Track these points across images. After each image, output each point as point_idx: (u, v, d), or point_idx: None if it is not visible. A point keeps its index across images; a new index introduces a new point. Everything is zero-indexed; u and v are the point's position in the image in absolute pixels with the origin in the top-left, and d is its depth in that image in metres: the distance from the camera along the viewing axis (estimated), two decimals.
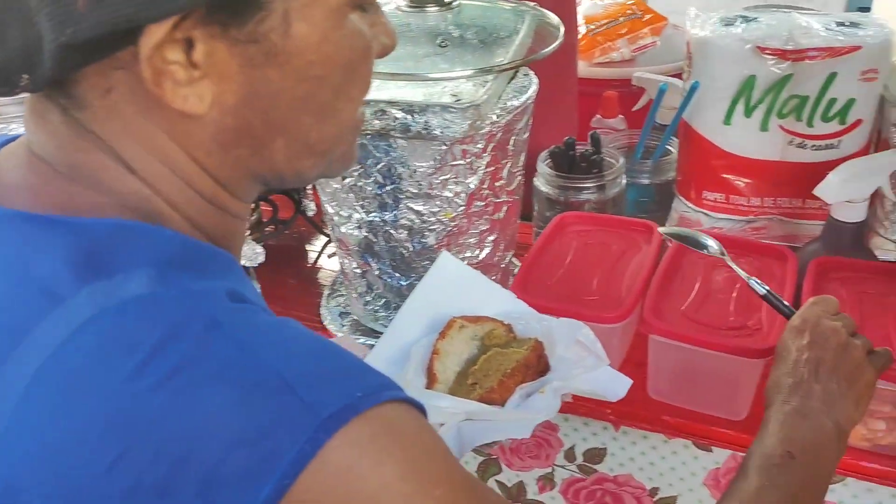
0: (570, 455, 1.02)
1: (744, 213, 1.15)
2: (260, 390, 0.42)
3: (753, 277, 0.82)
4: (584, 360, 0.83)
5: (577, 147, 1.19)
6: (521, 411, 0.78)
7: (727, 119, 1.09)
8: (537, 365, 0.82)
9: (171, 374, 0.41)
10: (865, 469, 0.84)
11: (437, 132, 0.82)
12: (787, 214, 1.14)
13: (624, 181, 1.21)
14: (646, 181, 1.31)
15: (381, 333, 1.04)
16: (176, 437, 0.41)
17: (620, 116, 1.40)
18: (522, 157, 0.99)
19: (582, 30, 1.53)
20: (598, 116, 1.41)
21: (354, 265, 1.01)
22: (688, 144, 1.17)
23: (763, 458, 0.63)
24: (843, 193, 0.96)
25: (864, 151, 1.08)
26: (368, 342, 1.04)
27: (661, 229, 0.93)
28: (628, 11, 1.48)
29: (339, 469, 0.41)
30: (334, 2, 0.46)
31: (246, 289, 0.50)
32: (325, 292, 1.16)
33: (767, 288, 0.81)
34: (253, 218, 1.23)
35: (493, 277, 1.02)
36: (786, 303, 0.80)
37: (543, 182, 1.20)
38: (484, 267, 1.00)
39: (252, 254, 1.14)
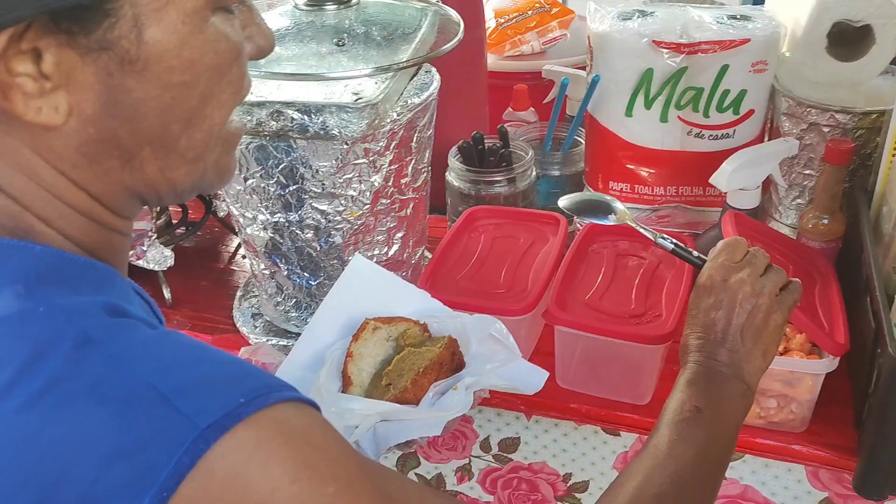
0: (485, 445, 1.03)
1: (648, 202, 1.19)
2: (134, 405, 0.41)
3: (660, 234, 0.82)
4: (497, 354, 0.84)
5: (487, 141, 1.20)
6: (435, 410, 0.79)
7: (628, 111, 1.11)
8: (451, 362, 0.83)
9: (40, 393, 0.40)
10: (761, 446, 0.88)
11: (336, 132, 0.82)
12: (689, 202, 1.18)
13: (534, 173, 1.23)
14: (556, 172, 1.33)
15: (295, 334, 1.04)
16: (46, 460, 0.40)
17: (531, 109, 1.42)
18: (427, 154, 0.99)
19: (492, 24, 1.54)
20: (510, 109, 1.43)
21: (263, 266, 1.00)
22: (593, 136, 1.20)
23: (673, 413, 0.65)
24: (736, 182, 1.00)
25: (757, 140, 1.12)
26: (281, 342, 1.03)
27: (561, 201, 0.91)
28: (537, 5, 1.50)
29: (227, 477, 0.41)
30: (190, 5, 0.45)
31: (129, 302, 0.49)
32: (238, 294, 1.14)
33: (674, 242, 0.81)
34: (161, 220, 1.21)
35: (404, 274, 1.03)
36: (695, 253, 0.80)
37: (455, 177, 1.21)
38: (394, 264, 1.01)
39: (160, 257, 1.12)
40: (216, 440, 0.41)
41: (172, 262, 1.12)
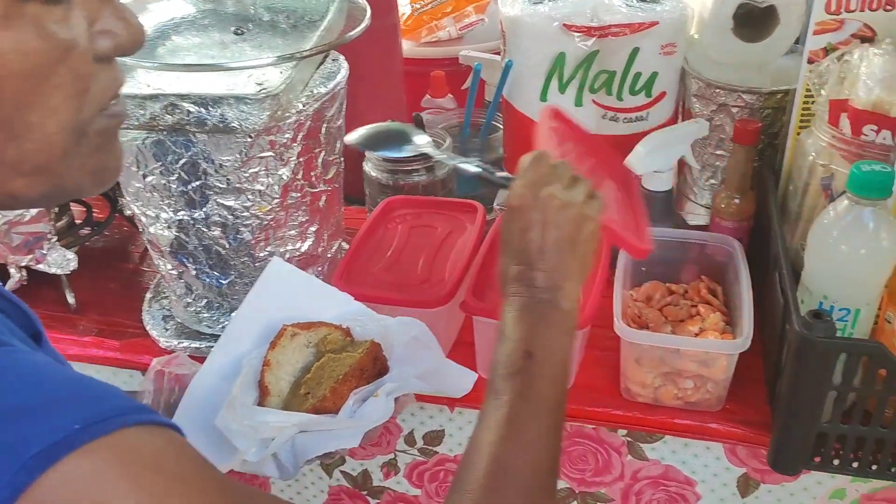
0: (410, 440, 1.02)
1: None
2: None
3: (465, 159, 0.79)
4: (422, 358, 0.81)
5: None
6: (355, 419, 0.75)
7: (543, 95, 1.11)
8: (373, 368, 0.79)
9: None
10: (679, 426, 0.88)
11: (236, 125, 0.79)
12: None
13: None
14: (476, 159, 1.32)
15: (208, 335, 1.01)
16: None
17: (450, 95, 1.41)
18: (338, 145, 0.97)
19: (407, 10, 1.52)
20: (428, 96, 1.41)
21: (170, 267, 0.96)
22: (510, 121, 1.19)
23: (505, 365, 0.61)
24: (649, 164, 1.00)
25: (671, 122, 1.13)
26: (193, 345, 1.00)
27: (349, 136, 0.84)
28: None
29: None
30: None
31: None
32: (148, 296, 1.10)
33: (479, 166, 0.77)
34: (63, 221, 1.15)
35: (320, 269, 1.00)
36: (500, 174, 0.75)
37: (372, 167, 1.18)
38: (309, 259, 0.98)
39: (62, 260, 1.07)
40: (42, 471, 0.38)
41: (76, 265, 1.07)
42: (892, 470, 0.79)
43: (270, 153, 0.86)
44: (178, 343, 1.00)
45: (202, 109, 0.78)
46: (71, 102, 0.44)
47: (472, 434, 0.60)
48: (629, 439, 0.93)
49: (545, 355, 0.62)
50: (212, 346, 0.99)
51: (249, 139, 0.83)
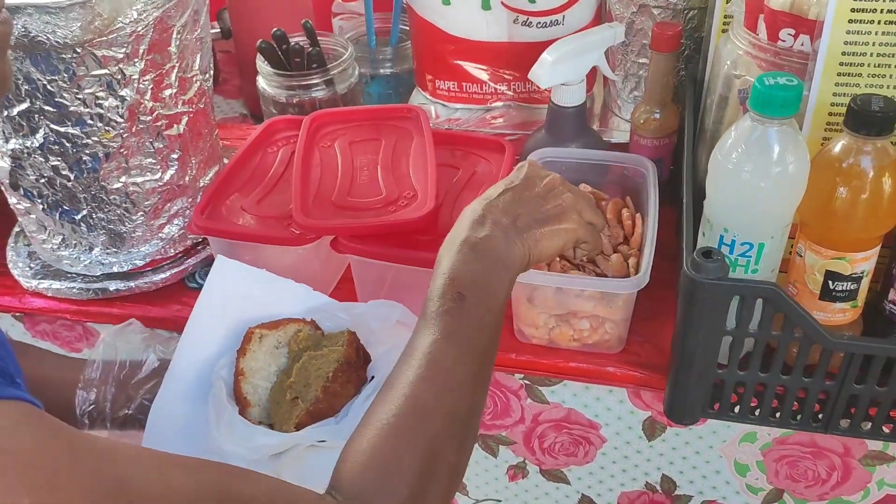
0: None
1: (479, 102, 1.07)
2: None
3: None
4: (403, 341, 0.69)
5: (293, 39, 1.06)
6: None
7: None
8: (358, 358, 0.72)
9: None
10: (576, 370, 0.80)
11: (43, 38, 0.67)
12: (522, 100, 1.07)
13: (356, 73, 1.10)
14: (389, 71, 1.20)
15: (73, 275, 0.92)
16: None
17: None
18: (199, 60, 0.85)
19: None
20: (339, 0, 1.28)
21: (15, 201, 0.86)
22: (415, 30, 1.07)
23: (436, 302, 0.58)
24: (557, 76, 0.89)
25: (592, 26, 1.01)
26: (54, 285, 0.90)
27: None
28: None
29: None
30: None
31: None
32: (15, 230, 1.00)
33: None
34: None
35: (191, 199, 0.90)
36: None
37: (266, 83, 1.07)
38: (177, 189, 0.88)
39: None
40: None
41: None
42: (798, 417, 0.72)
43: (104, 71, 0.75)
44: (39, 283, 0.91)
45: None
46: None
47: (393, 367, 0.56)
48: (527, 382, 0.86)
49: (478, 299, 0.58)
50: (75, 287, 0.90)
51: (75, 55, 0.72)
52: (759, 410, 0.72)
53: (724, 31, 0.83)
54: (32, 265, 0.94)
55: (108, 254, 0.89)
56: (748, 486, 0.87)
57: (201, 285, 0.92)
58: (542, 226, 0.63)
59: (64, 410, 0.70)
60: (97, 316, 0.91)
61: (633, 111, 0.95)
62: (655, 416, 0.84)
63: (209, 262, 0.94)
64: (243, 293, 0.76)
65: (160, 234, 0.90)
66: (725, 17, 0.83)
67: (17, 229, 1.00)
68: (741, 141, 0.65)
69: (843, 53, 0.66)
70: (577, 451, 0.90)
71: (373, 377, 0.72)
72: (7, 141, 0.79)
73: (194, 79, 0.85)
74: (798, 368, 0.67)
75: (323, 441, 0.67)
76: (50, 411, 0.68)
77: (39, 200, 0.84)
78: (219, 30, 1.37)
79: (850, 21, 0.64)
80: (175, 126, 0.84)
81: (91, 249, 0.88)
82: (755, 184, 0.65)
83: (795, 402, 0.71)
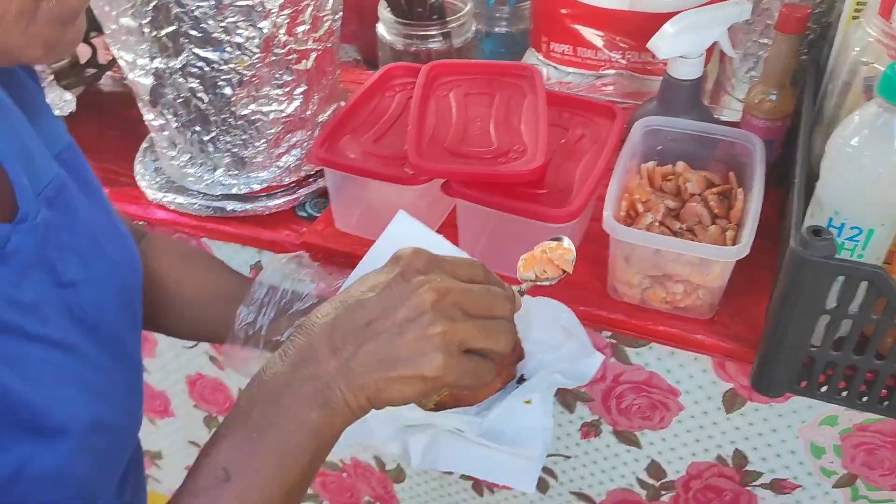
0: None
1: (592, 67, 1.09)
2: None
3: None
4: (562, 346, 0.69)
5: None
6: (509, 447, 0.62)
7: None
8: (513, 353, 0.67)
9: None
10: (664, 333, 0.82)
11: None
12: (636, 70, 1.08)
13: (473, 29, 1.12)
14: (504, 30, 1.22)
15: (195, 192, 0.98)
16: None
17: None
18: (331, 1, 0.89)
19: None
20: None
21: (151, 117, 0.92)
22: None
23: (196, 472, 0.48)
24: (676, 48, 0.89)
25: (714, 1, 1.01)
26: (178, 199, 0.97)
27: None
28: None
29: None
30: None
31: None
32: (143, 146, 1.07)
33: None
34: (65, 61, 1.12)
35: (309, 133, 0.95)
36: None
37: (385, 30, 1.11)
38: (297, 122, 0.92)
39: (59, 102, 1.03)
40: None
41: (74, 108, 1.04)
42: (885, 404, 0.73)
43: (248, 3, 0.79)
44: (164, 196, 0.98)
45: None
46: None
47: None
48: (614, 341, 0.88)
49: (251, 480, 0.46)
50: (196, 203, 0.97)
51: None
52: (846, 392, 0.73)
53: (854, 17, 0.82)
54: (157, 179, 1.01)
55: (229, 175, 0.94)
56: (822, 468, 0.88)
57: (310, 215, 0.98)
58: (388, 370, 0.47)
59: (223, 321, 0.72)
60: (213, 232, 0.97)
61: (749, 91, 0.95)
62: (737, 390, 0.86)
63: (320, 194, 0.99)
64: None
65: (278, 163, 0.95)
66: (858, 3, 0.83)
67: (145, 145, 1.07)
68: (864, 126, 0.65)
69: None
70: (653, 416, 0.92)
71: (521, 376, 0.67)
72: (152, 60, 0.84)
73: (325, 18, 0.89)
74: (894, 355, 0.68)
75: (460, 430, 0.63)
76: (211, 320, 0.73)
77: (174, 119, 0.90)
78: None
79: None
80: (304, 61, 0.88)
81: (215, 170, 0.94)
82: (873, 170, 0.65)
83: (884, 389, 0.72)
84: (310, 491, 1.29)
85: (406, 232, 0.71)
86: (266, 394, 0.47)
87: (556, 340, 0.69)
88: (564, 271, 0.62)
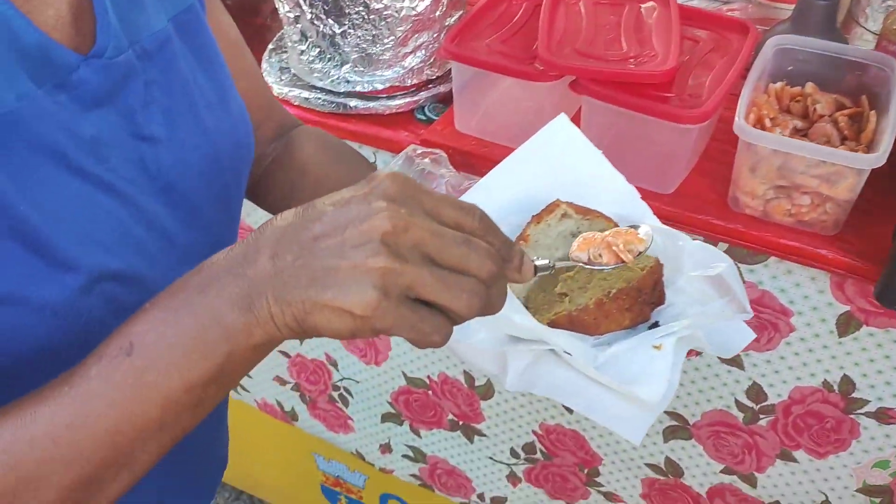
0: None
1: None
2: None
3: None
4: (711, 301, 0.61)
5: None
6: (626, 385, 0.56)
7: None
8: (651, 293, 0.60)
9: None
10: (786, 247, 0.82)
11: None
12: None
13: None
14: None
15: (319, 89, 1.01)
16: None
17: None
18: None
19: None
20: None
21: (286, 8, 0.95)
22: None
23: (106, 341, 0.44)
24: None
25: None
26: (303, 94, 1.00)
27: None
28: None
29: None
30: None
31: None
32: (270, 47, 1.10)
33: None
34: None
35: (435, 35, 0.96)
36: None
37: None
38: (424, 22, 0.94)
39: None
40: None
41: None
42: None
43: None
44: (289, 92, 1.01)
45: None
46: None
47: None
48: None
49: (151, 363, 0.42)
50: (321, 98, 0.99)
51: None
52: None
53: None
54: (283, 77, 1.04)
55: (355, 72, 0.97)
56: None
57: (429, 118, 0.99)
58: (318, 292, 0.41)
59: None
60: (334, 129, 1.00)
61: (886, 17, 0.92)
62: (853, 312, 0.84)
63: (439, 98, 1.01)
64: (567, 162, 0.66)
65: (403, 63, 0.97)
66: None
67: (271, 46, 1.11)
68: None
69: None
70: (760, 337, 0.92)
71: (656, 322, 0.61)
72: None
73: None
74: None
75: (569, 354, 0.57)
76: None
77: (309, 10, 0.93)
78: None
79: None
80: None
81: (342, 66, 0.97)
82: None
83: None
84: (392, 409, 1.32)
85: (560, 138, 0.65)
86: (197, 281, 0.44)
87: (704, 294, 0.61)
88: (621, 261, 0.54)
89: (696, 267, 0.61)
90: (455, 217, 0.43)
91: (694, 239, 0.62)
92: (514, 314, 0.57)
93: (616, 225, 0.64)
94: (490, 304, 0.43)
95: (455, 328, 0.44)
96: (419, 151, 0.75)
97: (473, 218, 0.44)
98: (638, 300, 0.60)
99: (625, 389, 0.56)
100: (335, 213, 0.42)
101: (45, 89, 0.49)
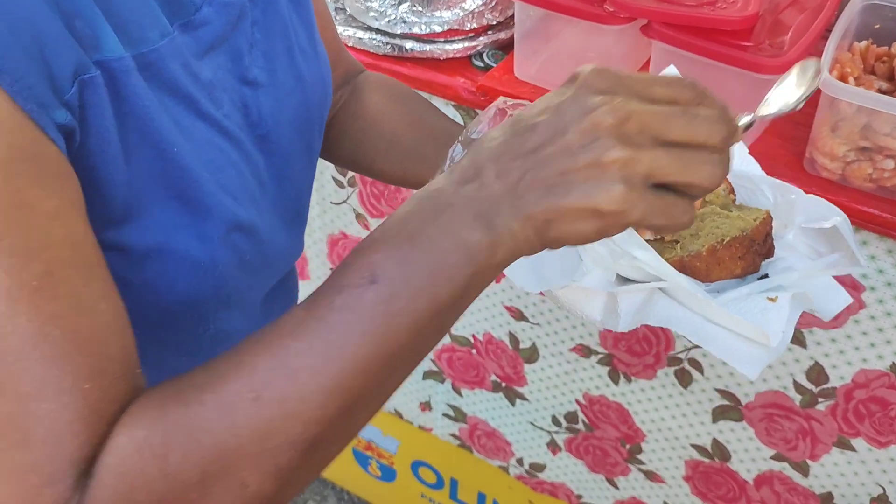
0: None
1: None
2: None
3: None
4: (820, 255, 0.60)
5: None
6: (747, 322, 0.55)
7: None
8: (763, 245, 0.59)
9: None
10: (867, 214, 0.76)
11: None
12: None
13: None
14: None
15: (375, 30, 0.97)
16: None
17: None
18: None
19: None
20: None
21: None
22: None
23: (343, 271, 0.43)
24: None
25: None
26: (357, 34, 0.96)
27: None
28: None
29: None
30: None
31: None
32: None
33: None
34: None
35: None
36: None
37: None
38: None
39: None
40: None
41: None
42: None
43: None
44: (343, 31, 0.98)
45: None
46: None
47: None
48: None
49: (399, 293, 0.41)
50: (377, 39, 0.96)
51: None
52: None
53: None
54: (338, 17, 1.01)
55: (412, 13, 0.93)
56: None
57: (487, 65, 0.95)
58: (559, 199, 0.40)
59: (432, 161, 0.68)
60: (387, 73, 0.95)
61: None
62: None
63: (498, 45, 0.97)
64: None
65: (463, 5, 0.92)
66: None
67: None
68: None
69: None
70: None
71: (765, 275, 0.60)
72: None
73: None
74: None
75: (688, 290, 0.56)
76: (420, 159, 0.69)
77: None
78: None
79: None
80: None
81: (399, 5, 0.93)
82: None
83: None
84: (434, 367, 1.29)
85: None
86: (425, 207, 0.43)
87: (812, 250, 0.60)
88: None
89: (808, 220, 0.60)
90: (668, 93, 0.41)
91: None
92: (635, 249, 0.56)
93: (727, 183, 0.63)
94: (725, 171, 0.42)
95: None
96: (510, 103, 0.72)
97: (685, 89, 0.42)
98: (750, 250, 0.59)
99: (746, 325, 0.55)
100: (550, 121, 0.41)
101: (176, 28, 0.48)
